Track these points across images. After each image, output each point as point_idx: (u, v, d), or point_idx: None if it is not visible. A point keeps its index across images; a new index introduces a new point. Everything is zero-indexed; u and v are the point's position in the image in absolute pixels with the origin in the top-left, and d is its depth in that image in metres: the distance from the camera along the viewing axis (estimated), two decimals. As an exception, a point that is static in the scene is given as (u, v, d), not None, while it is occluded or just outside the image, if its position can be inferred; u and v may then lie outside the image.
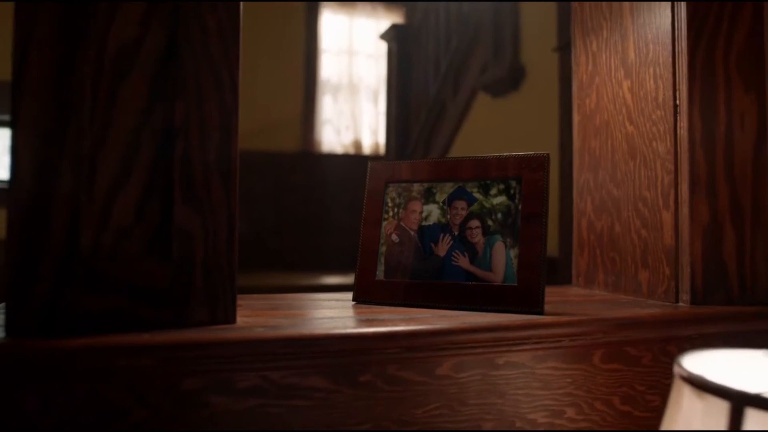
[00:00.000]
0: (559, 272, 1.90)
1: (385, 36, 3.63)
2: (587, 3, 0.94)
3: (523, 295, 0.66)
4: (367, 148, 4.81)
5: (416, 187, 0.75)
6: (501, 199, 0.70)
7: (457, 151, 2.97)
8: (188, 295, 0.56)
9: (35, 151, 0.53)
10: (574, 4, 0.98)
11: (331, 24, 4.85)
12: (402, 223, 0.75)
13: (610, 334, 0.67)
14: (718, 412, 0.44)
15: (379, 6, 4.82)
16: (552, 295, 0.84)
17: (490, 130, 2.71)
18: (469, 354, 0.62)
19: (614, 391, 0.68)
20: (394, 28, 3.58)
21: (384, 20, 4.69)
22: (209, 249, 0.57)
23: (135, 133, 0.56)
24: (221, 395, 0.54)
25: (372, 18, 4.85)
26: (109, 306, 0.54)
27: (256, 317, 0.62)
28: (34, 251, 0.53)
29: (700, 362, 0.52)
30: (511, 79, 2.41)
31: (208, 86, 0.57)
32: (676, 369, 0.50)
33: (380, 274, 0.74)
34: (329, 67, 4.75)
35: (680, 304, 0.76)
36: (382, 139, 4.61)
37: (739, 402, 0.43)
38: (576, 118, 0.96)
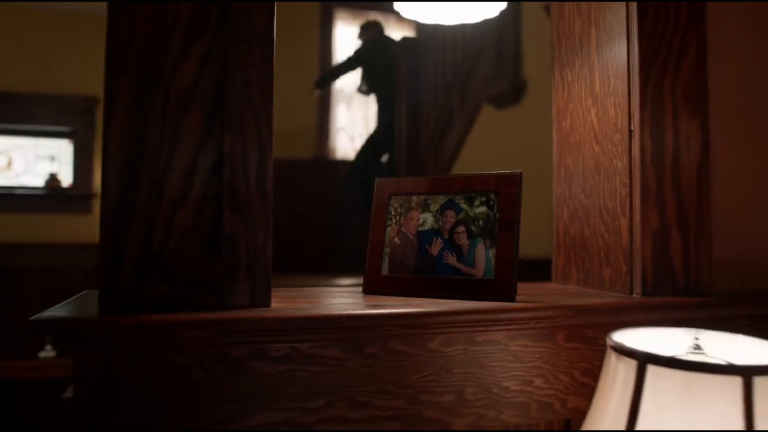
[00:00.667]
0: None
1: (397, 47, 3.80)
2: (564, 39, 1.10)
3: (498, 287, 0.82)
4: (379, 155, 4.95)
5: (414, 199, 0.91)
6: (482, 209, 0.86)
7: (464, 158, 3.12)
8: (234, 285, 0.73)
9: (119, 175, 0.70)
10: (554, 40, 1.13)
11: (344, 35, 5.03)
12: (403, 229, 0.91)
13: (571, 318, 0.83)
14: (630, 368, 0.60)
15: (391, 18, 4.99)
16: (530, 288, 0.99)
17: (494, 139, 2.86)
18: (454, 332, 0.78)
19: (575, 365, 0.84)
20: (405, 40, 3.75)
21: (395, 32, 4.86)
22: (250, 249, 0.73)
23: (193, 160, 0.72)
24: (259, 361, 0.70)
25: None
26: (174, 293, 0.71)
27: (285, 303, 0.78)
28: (119, 252, 0.70)
29: (628, 337, 0.68)
30: (513, 92, 2.57)
31: (249, 123, 0.74)
32: (607, 341, 0.66)
33: (385, 270, 0.91)
34: (343, 77, 4.92)
35: (633, 295, 0.91)
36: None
37: (643, 360, 0.59)
38: (554, 138, 1.11)
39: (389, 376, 0.75)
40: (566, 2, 1.09)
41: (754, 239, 1.00)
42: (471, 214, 0.86)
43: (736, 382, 0.54)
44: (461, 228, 0.86)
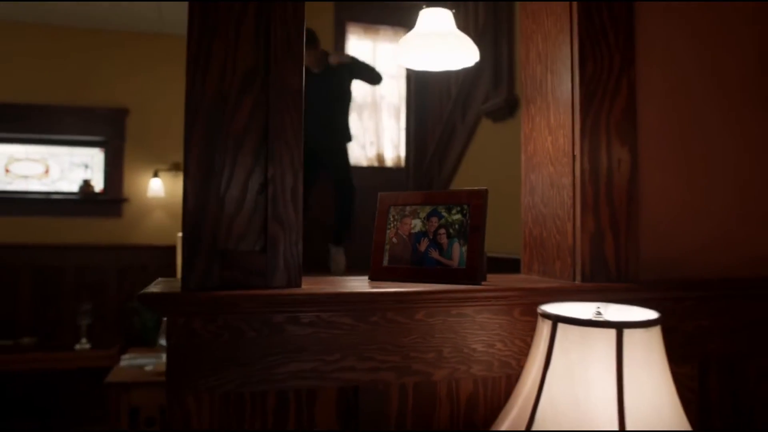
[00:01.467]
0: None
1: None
2: (529, 81, 1.38)
3: (468, 274, 1.10)
4: (389, 161, 5.25)
5: (408, 208, 1.20)
6: (458, 216, 1.14)
7: (466, 166, 3.40)
8: (275, 272, 1.02)
9: (195, 193, 0.99)
10: (522, 80, 1.41)
11: (356, 48, 5.32)
12: (399, 231, 1.20)
13: (523, 298, 1.11)
14: (548, 326, 0.88)
15: (400, 31, 5.28)
16: (500, 278, 1.27)
17: (492, 149, 3.14)
18: (434, 307, 1.06)
19: (527, 333, 1.11)
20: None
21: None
22: (286, 247, 1.02)
23: (245, 182, 1.01)
24: (293, 325, 0.99)
25: (394, 42, 5.31)
26: (234, 276, 1.00)
27: (312, 285, 1.07)
28: (195, 247, 0.99)
29: (555, 308, 0.95)
30: (507, 108, 2.84)
31: (285, 156, 1.03)
32: (537, 309, 0.94)
33: (386, 262, 1.19)
34: (354, 87, 5.22)
35: (576, 282, 1.18)
36: (403, 153, 5.05)
37: (555, 320, 0.87)
38: (522, 158, 1.39)
39: (387, 338, 1.03)
40: (531, 50, 1.37)
41: (675, 240, 1.27)
42: (449, 220, 1.15)
43: (611, 333, 0.82)
44: (442, 230, 1.15)
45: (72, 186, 4.70)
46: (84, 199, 4.61)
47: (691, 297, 1.22)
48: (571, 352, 0.85)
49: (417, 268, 1.16)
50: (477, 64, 1.68)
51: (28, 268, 4.49)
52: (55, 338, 4.46)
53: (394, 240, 1.20)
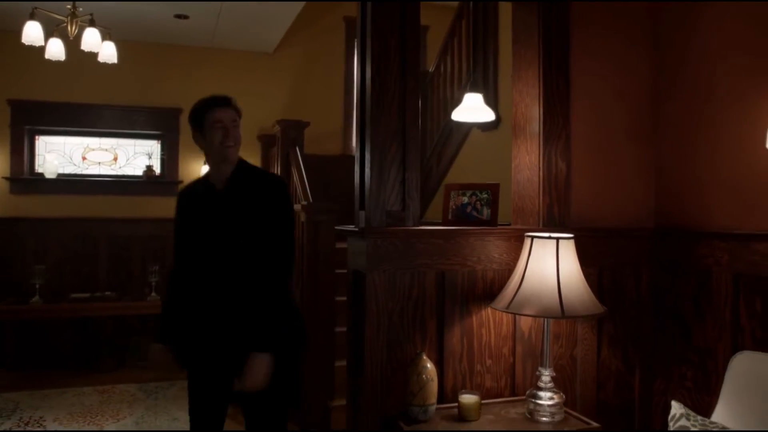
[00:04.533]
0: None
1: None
2: (517, 124, 2.63)
3: (492, 222, 2.37)
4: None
5: (460, 191, 2.46)
6: (485, 195, 2.41)
7: (458, 165, 4.68)
8: (407, 220, 2.26)
9: (373, 176, 2.22)
10: (513, 123, 2.67)
11: (361, 59, 6.49)
12: (455, 202, 2.46)
13: (516, 233, 2.37)
14: (528, 240, 2.17)
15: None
16: (504, 226, 2.53)
17: (480, 153, 4.42)
18: (475, 236, 2.32)
19: (517, 250, 2.37)
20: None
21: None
22: (413, 210, 2.26)
23: (396, 176, 2.24)
24: (417, 243, 2.24)
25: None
26: (391, 222, 2.23)
27: (423, 226, 2.31)
28: (376, 208, 2.22)
29: (532, 235, 2.24)
30: (493, 124, 4.10)
31: (412, 164, 2.26)
32: (525, 234, 2.23)
33: (450, 217, 2.46)
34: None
35: (540, 226, 2.46)
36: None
37: (532, 238, 2.16)
38: (513, 165, 2.65)
39: (456, 249, 2.28)
40: (519, 108, 2.62)
41: (587, 208, 2.55)
42: (480, 197, 2.41)
43: (554, 242, 2.10)
44: (478, 202, 2.41)
45: (136, 171, 5.79)
46: (147, 181, 5.71)
47: (594, 235, 2.51)
48: (539, 251, 2.12)
49: (465, 219, 2.42)
50: (469, 82, 2.95)
51: (104, 237, 5.59)
52: (129, 292, 5.59)
53: (453, 207, 2.46)
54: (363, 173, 2.28)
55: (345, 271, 2.49)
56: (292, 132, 4.87)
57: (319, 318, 3.72)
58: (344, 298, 2.84)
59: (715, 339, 2.24)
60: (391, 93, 2.24)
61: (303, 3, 4.86)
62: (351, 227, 2.29)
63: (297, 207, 3.80)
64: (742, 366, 1.94)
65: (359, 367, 2.24)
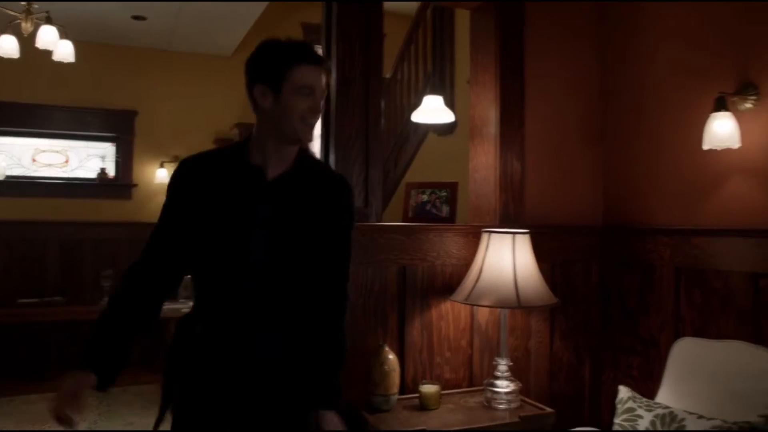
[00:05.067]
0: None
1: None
2: (475, 127, 2.74)
3: (450, 219, 2.47)
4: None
5: (420, 190, 2.54)
6: (444, 194, 2.50)
7: (414, 167, 4.79)
8: (370, 216, 2.33)
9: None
10: (472, 116, 2.78)
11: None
12: (416, 200, 2.54)
13: (474, 229, 2.47)
14: (486, 235, 2.27)
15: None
16: (462, 224, 2.63)
17: (436, 155, 4.54)
18: (435, 232, 2.40)
19: (474, 245, 2.47)
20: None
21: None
22: (376, 205, 2.34)
23: (359, 174, 2.31)
24: (379, 238, 2.31)
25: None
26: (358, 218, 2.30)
27: (386, 222, 2.39)
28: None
29: (489, 230, 2.34)
30: (448, 127, 4.23)
31: (375, 163, 2.34)
32: (482, 230, 2.33)
33: (410, 215, 2.54)
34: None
35: (497, 222, 2.56)
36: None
37: (490, 233, 2.26)
38: (470, 166, 2.75)
39: (416, 245, 2.37)
40: (476, 110, 2.73)
41: (540, 206, 2.67)
42: (440, 195, 2.50)
43: (511, 236, 2.20)
44: (437, 201, 2.50)
45: (88, 174, 5.68)
46: (101, 184, 5.61)
47: (547, 232, 2.63)
48: (495, 245, 2.22)
49: (425, 217, 2.51)
50: (427, 88, 3.06)
51: (53, 241, 5.45)
52: (79, 297, 5.46)
53: (413, 204, 2.54)
54: (327, 170, 2.33)
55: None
56: (250, 135, 4.87)
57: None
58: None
59: (659, 329, 2.39)
60: (356, 93, 2.31)
61: (263, 6, 4.90)
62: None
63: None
64: (683, 351, 2.09)
65: (323, 359, 2.29)
